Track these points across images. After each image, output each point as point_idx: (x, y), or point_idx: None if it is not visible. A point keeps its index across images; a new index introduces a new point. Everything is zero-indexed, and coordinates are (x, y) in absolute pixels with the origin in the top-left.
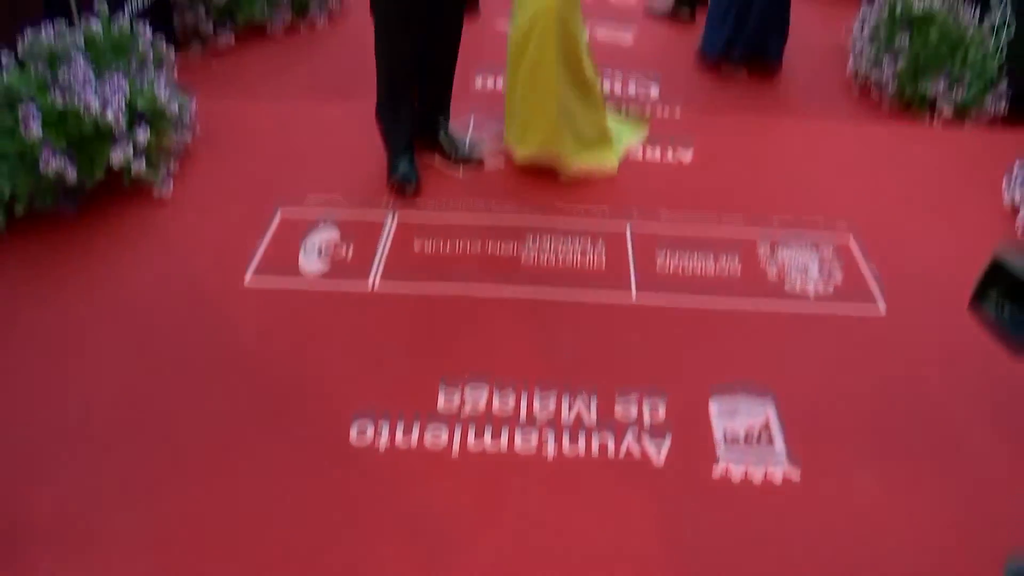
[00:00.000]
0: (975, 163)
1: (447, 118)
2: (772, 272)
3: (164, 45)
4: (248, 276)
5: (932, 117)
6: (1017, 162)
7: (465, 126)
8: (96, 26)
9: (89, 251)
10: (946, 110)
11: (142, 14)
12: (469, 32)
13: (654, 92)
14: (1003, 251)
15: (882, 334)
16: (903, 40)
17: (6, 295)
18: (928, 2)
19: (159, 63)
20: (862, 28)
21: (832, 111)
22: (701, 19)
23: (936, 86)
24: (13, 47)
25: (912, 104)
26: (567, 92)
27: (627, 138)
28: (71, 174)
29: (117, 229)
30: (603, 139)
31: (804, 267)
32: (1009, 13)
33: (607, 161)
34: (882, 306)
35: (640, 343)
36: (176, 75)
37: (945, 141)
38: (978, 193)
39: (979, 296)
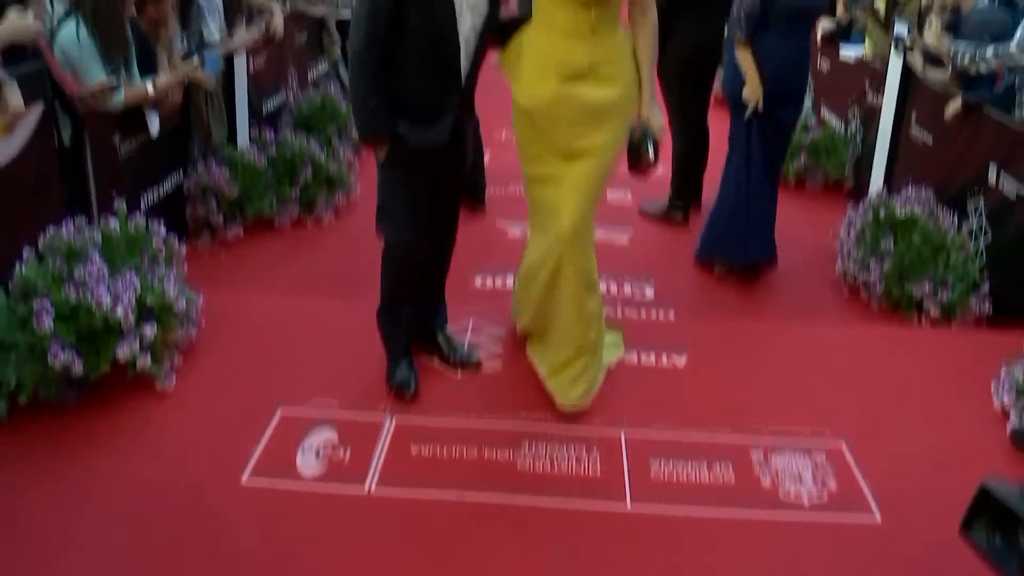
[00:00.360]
0: (964, 365)
1: (445, 319)
2: (766, 480)
3: (176, 242)
4: (246, 476)
5: (920, 318)
6: (1003, 366)
7: (464, 328)
8: (114, 223)
9: (89, 442)
10: (933, 311)
11: (157, 206)
12: (471, 229)
13: (649, 293)
14: (991, 480)
15: (878, 544)
16: (888, 243)
17: (3, 482)
18: (910, 207)
19: (170, 259)
20: (848, 231)
21: (823, 312)
22: (694, 220)
23: (921, 288)
24: (35, 242)
25: (900, 305)
26: (575, 310)
27: (609, 356)
28: (77, 367)
29: (118, 421)
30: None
31: (798, 474)
32: (984, 220)
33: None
34: (877, 515)
35: (635, 555)
36: (185, 266)
37: (933, 343)
38: (968, 396)
39: (969, 524)
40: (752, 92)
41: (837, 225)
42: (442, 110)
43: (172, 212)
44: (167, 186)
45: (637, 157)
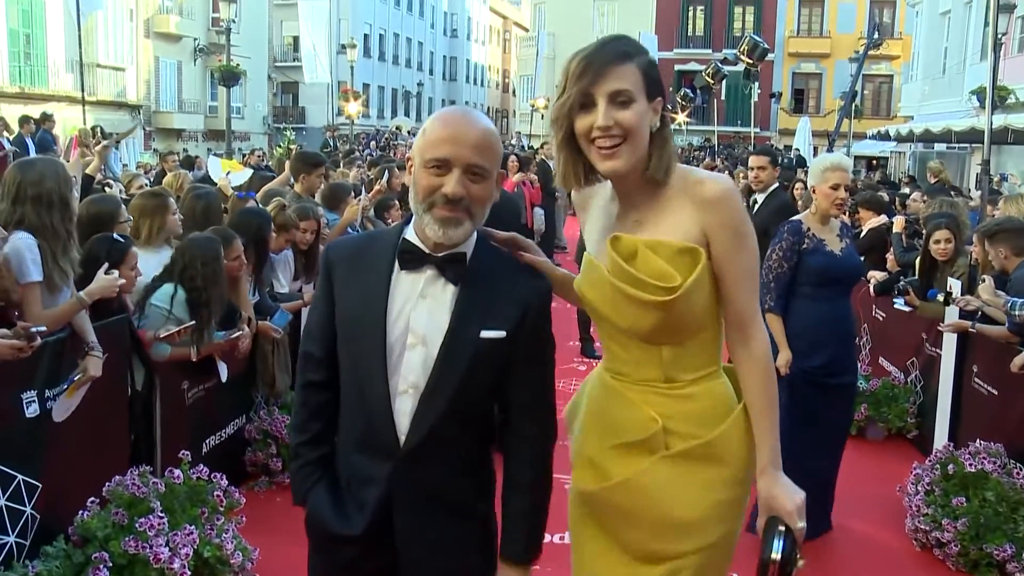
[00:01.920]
0: None
1: None
2: None
3: (236, 493)
4: None
5: None
6: None
7: None
8: (176, 474)
9: None
10: (1018, 574)
11: (217, 448)
12: None
13: None
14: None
15: None
16: (959, 500)
17: None
18: (979, 462)
19: (230, 511)
20: (916, 487)
21: (898, 572)
22: None
23: (1003, 550)
24: (99, 488)
25: (979, 566)
26: None
27: None
28: None
29: None
30: None
31: None
32: None
33: None
34: None
35: None
36: (244, 517)
37: None
38: None
39: None
40: (783, 363)
41: (902, 477)
42: (366, 483)
43: (232, 455)
44: (229, 430)
45: (768, 557)
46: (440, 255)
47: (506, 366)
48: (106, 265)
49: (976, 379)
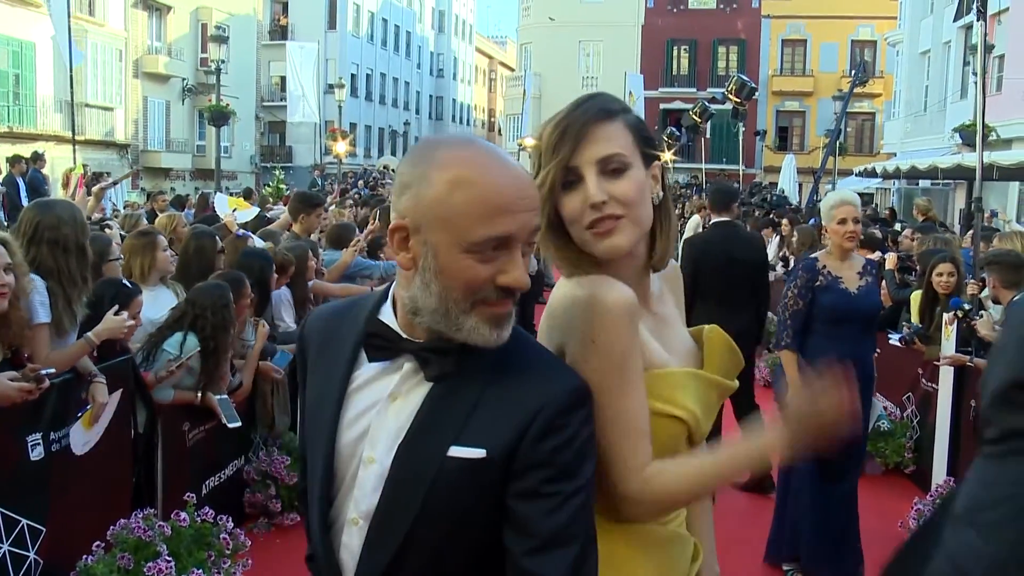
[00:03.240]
0: None
1: None
2: None
3: (241, 536)
4: None
5: None
6: None
7: None
8: (182, 516)
9: None
10: None
11: (217, 490)
12: None
13: None
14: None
15: None
16: None
17: None
18: None
19: (236, 553)
20: (919, 522)
21: None
22: (756, 518)
23: None
24: (104, 534)
25: None
26: None
27: None
28: None
29: None
30: None
31: None
32: None
33: None
34: None
35: None
36: (251, 561)
37: None
38: None
39: None
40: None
41: (902, 512)
42: None
43: (231, 497)
44: (229, 471)
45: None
46: (421, 342)
47: (499, 496)
48: (116, 307)
49: (975, 413)
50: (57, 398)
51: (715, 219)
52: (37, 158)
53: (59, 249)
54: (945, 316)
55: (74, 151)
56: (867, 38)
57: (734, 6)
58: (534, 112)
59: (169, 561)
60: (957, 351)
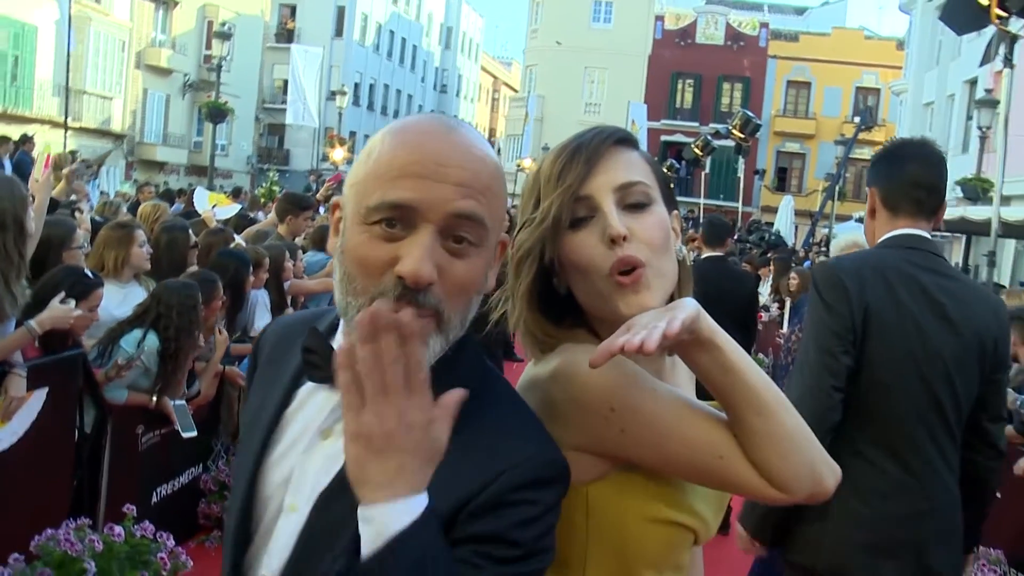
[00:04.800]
0: None
1: None
2: None
3: (183, 556)
4: None
5: None
6: None
7: None
8: (117, 530)
9: None
10: None
11: (168, 498)
12: None
13: None
14: None
15: None
16: None
17: None
18: (980, 569)
19: (175, 573)
20: None
21: None
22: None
23: None
24: (27, 546)
25: None
26: None
27: None
28: None
29: None
30: None
31: None
32: None
33: None
34: None
35: None
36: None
37: None
38: None
39: None
40: None
41: None
42: None
43: (183, 507)
44: (184, 479)
45: None
46: None
47: None
48: (63, 294)
49: None
50: None
51: (707, 253)
52: (26, 140)
53: None
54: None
55: (65, 136)
56: (871, 85)
57: (741, 44)
58: (535, 134)
59: None
60: None
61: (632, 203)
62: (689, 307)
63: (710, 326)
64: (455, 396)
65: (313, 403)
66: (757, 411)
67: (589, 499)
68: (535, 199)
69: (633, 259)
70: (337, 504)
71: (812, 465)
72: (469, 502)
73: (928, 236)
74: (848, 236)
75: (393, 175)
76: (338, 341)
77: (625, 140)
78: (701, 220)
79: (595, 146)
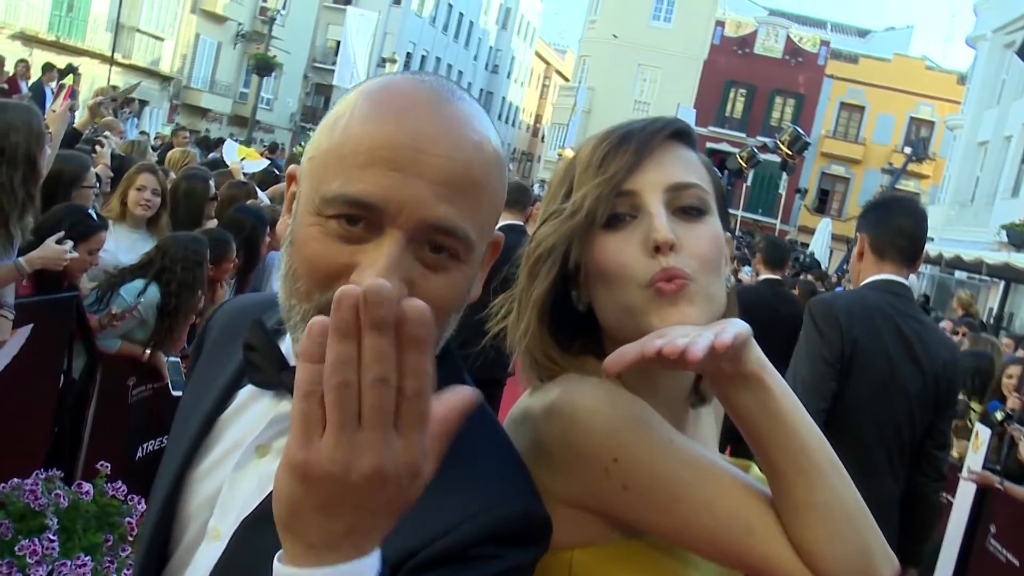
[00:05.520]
0: None
1: None
2: None
3: None
4: None
5: None
6: None
7: None
8: (86, 488)
9: None
10: None
11: (153, 456)
12: None
13: None
14: None
15: None
16: None
17: None
18: None
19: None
20: None
21: None
22: None
23: None
24: None
25: None
26: None
27: None
28: None
29: None
30: None
31: None
32: None
33: None
34: None
35: None
36: None
37: None
38: None
39: None
40: None
41: None
42: None
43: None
44: None
45: None
46: None
47: None
48: (61, 234)
49: (992, 540)
50: None
51: (765, 275)
52: (71, 71)
53: (3, 160)
54: (977, 425)
55: (110, 72)
56: (926, 117)
57: (799, 59)
58: (581, 125)
59: (52, 540)
60: (985, 467)
61: (684, 207)
62: (740, 326)
63: (759, 358)
64: (453, 420)
65: (253, 410)
66: (806, 474)
67: (573, 566)
68: (567, 188)
69: (678, 272)
70: (263, 536)
71: (868, 552)
72: (416, 554)
73: (907, 283)
74: None
75: (359, 160)
76: (288, 342)
77: (684, 134)
78: (736, 233)
79: (647, 136)
